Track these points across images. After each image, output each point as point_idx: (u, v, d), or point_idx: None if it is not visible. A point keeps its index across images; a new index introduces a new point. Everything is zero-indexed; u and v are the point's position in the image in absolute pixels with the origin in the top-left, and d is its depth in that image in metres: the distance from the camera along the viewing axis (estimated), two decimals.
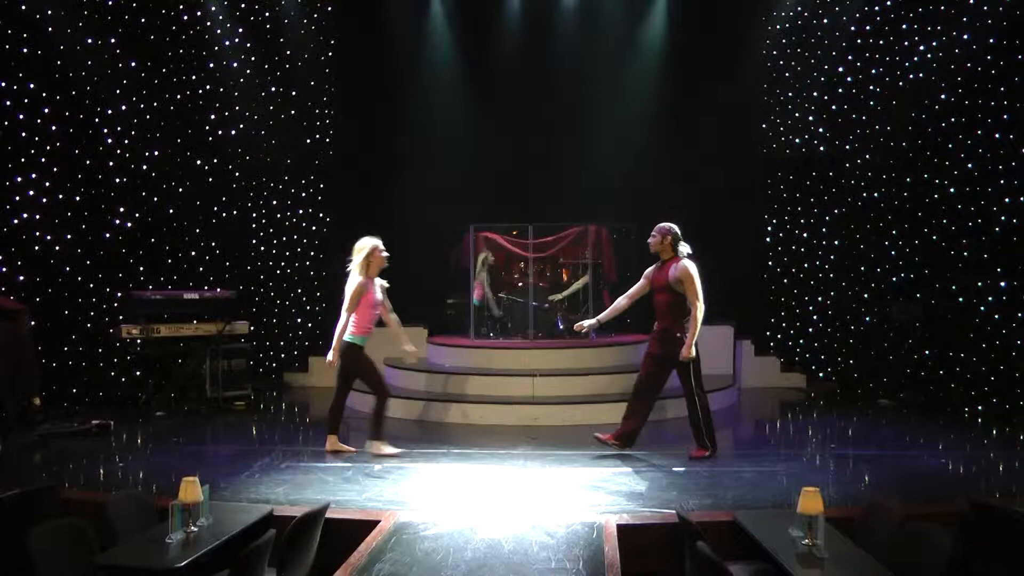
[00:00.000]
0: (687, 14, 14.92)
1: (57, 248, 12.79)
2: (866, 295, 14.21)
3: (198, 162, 14.37)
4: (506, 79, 15.08)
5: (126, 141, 13.51)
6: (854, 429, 11.18)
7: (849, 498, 7.39)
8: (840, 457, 9.39)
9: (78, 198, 13.03)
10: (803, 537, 5.41)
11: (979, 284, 12.74)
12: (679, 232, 9.30)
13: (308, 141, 15.24)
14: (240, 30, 14.56)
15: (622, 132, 14.68)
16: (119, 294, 13.26)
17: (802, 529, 5.45)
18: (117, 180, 13.45)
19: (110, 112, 13.34)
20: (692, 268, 9.00)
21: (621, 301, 9.61)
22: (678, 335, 9.03)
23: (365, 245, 9.79)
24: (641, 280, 9.53)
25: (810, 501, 5.44)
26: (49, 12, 12.60)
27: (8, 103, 12.32)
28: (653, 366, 9.37)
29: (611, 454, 9.26)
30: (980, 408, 12.30)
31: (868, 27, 13.94)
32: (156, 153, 13.82)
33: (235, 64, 14.53)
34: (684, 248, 9.24)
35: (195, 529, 5.69)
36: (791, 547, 5.41)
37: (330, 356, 9.60)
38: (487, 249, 13.82)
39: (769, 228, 14.97)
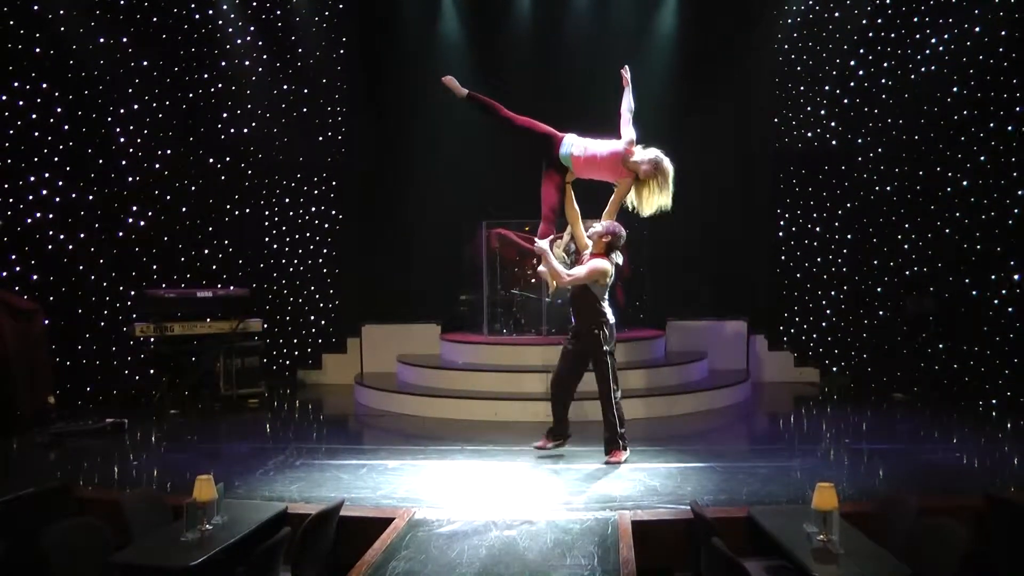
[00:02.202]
0: (698, 8, 14.86)
1: (71, 247, 12.84)
2: (879, 289, 14.14)
3: (210, 160, 14.39)
4: (518, 75, 15.01)
5: (138, 140, 13.55)
6: (868, 423, 11.16)
7: (864, 493, 7.39)
8: (855, 452, 9.36)
9: (91, 197, 13.08)
10: (818, 533, 5.39)
11: (993, 277, 12.69)
12: (623, 240, 9.01)
13: (320, 139, 15.22)
14: (251, 28, 14.56)
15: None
16: (132, 293, 13.31)
17: (817, 524, 5.43)
18: (130, 179, 13.50)
19: (122, 111, 13.38)
20: (602, 264, 8.73)
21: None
22: (595, 331, 8.80)
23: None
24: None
25: (825, 496, 5.42)
26: (61, 12, 12.64)
27: (21, 103, 12.37)
28: (571, 360, 9.14)
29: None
30: (995, 401, 12.25)
31: (880, 20, 13.87)
32: (168, 152, 13.87)
33: (247, 62, 14.55)
34: (617, 256, 8.96)
35: (209, 527, 5.69)
36: (806, 543, 5.39)
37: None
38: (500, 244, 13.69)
39: (782, 223, 14.90)
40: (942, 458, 9.11)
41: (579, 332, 9.00)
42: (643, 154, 8.67)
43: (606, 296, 8.90)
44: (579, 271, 8.75)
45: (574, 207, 9.17)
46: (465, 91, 9.25)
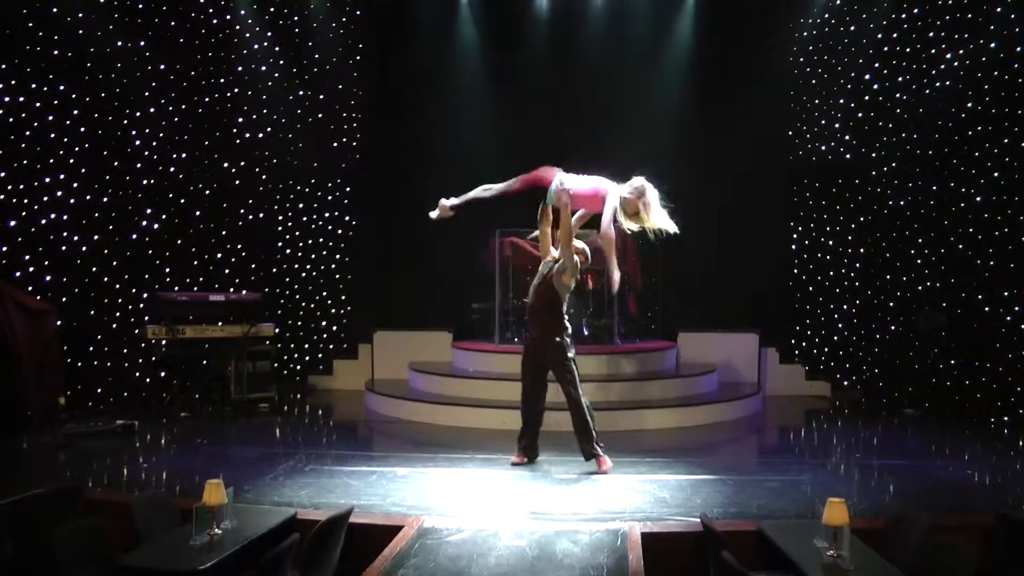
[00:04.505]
0: (715, 20, 14.85)
1: (84, 249, 12.86)
2: (891, 303, 14.12)
3: (225, 164, 14.44)
4: (534, 82, 15.06)
5: (154, 143, 13.59)
6: (879, 438, 11.14)
7: (875, 509, 7.36)
8: (865, 467, 9.36)
9: (106, 199, 13.10)
10: (828, 548, 5.39)
11: (1006, 294, 12.65)
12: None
13: (335, 144, 15.28)
14: (269, 34, 14.62)
15: (648, 137, 14.63)
16: (145, 295, 13.34)
17: (827, 540, 5.42)
18: (145, 182, 13.53)
19: (139, 114, 13.42)
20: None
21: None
22: (558, 340, 8.86)
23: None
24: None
25: (835, 511, 5.41)
26: (80, 15, 12.70)
27: (38, 104, 12.40)
28: (534, 373, 9.17)
29: (635, 460, 9.23)
30: (1006, 418, 12.20)
31: (895, 34, 13.88)
32: (184, 155, 13.91)
33: (263, 67, 14.61)
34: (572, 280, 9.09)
35: (219, 532, 5.70)
36: (816, 558, 5.38)
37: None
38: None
39: (795, 235, 14.90)
40: (953, 475, 9.08)
41: (540, 340, 8.98)
42: (627, 187, 8.83)
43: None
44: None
45: (547, 226, 9.26)
46: (451, 203, 9.75)
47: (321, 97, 15.09)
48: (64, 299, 12.55)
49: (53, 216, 12.55)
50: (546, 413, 9.33)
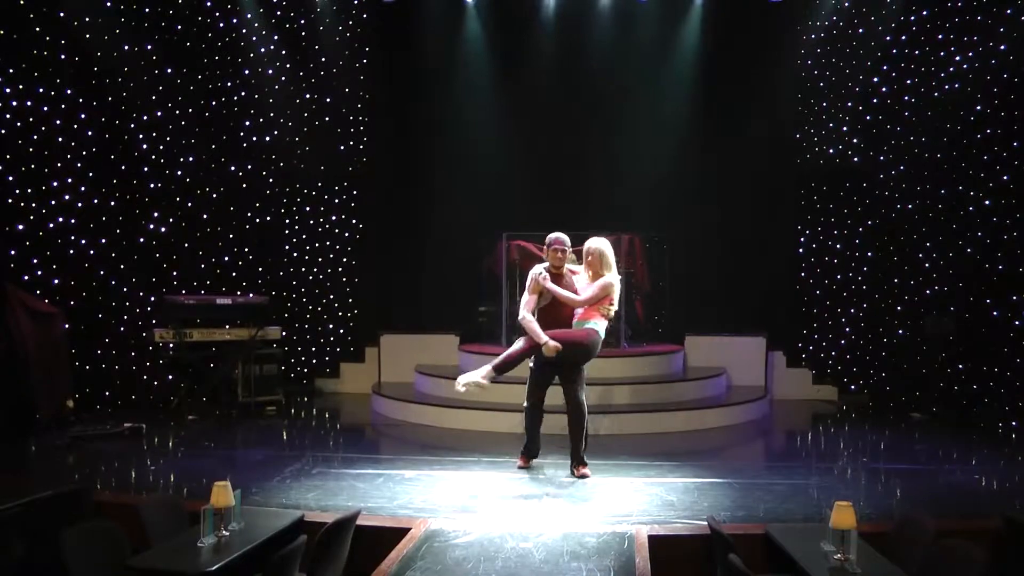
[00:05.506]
0: (722, 23, 14.82)
1: (92, 252, 12.86)
2: (899, 308, 14.08)
3: (232, 168, 14.42)
4: (540, 86, 15.05)
5: (161, 147, 13.58)
6: (887, 443, 11.11)
7: (882, 513, 7.35)
8: (872, 471, 9.34)
9: (113, 203, 13.11)
10: (835, 552, 5.38)
11: (1014, 298, 12.62)
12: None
13: (341, 148, 15.25)
14: (275, 37, 14.61)
15: (656, 140, 14.63)
16: (152, 298, 13.32)
17: (834, 544, 5.42)
18: (152, 185, 13.54)
19: (145, 118, 13.42)
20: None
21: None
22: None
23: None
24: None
25: (843, 515, 5.40)
26: (87, 19, 12.71)
27: (45, 108, 12.40)
28: (548, 376, 9.14)
29: (642, 463, 9.25)
30: (1014, 424, 12.17)
31: (903, 37, 13.83)
32: (191, 159, 13.91)
33: (270, 71, 14.59)
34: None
35: (226, 534, 5.71)
36: (824, 562, 5.37)
37: None
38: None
39: (802, 239, 14.85)
40: (961, 479, 9.08)
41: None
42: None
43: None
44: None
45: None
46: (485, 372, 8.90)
47: (328, 100, 15.06)
48: (72, 302, 12.54)
49: (61, 220, 12.55)
50: (553, 416, 9.32)
